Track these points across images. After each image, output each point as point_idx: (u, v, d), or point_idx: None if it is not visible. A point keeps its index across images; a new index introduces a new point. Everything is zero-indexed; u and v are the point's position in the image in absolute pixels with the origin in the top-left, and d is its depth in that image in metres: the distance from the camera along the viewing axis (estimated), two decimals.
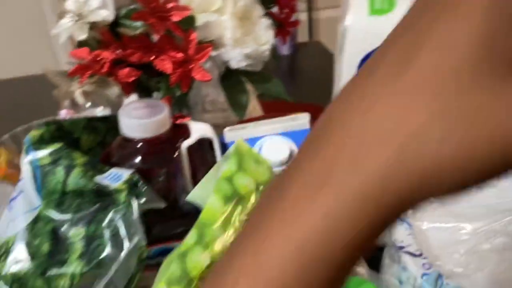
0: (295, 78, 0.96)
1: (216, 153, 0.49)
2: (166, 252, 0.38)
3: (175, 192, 0.47)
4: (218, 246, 0.29)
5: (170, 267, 0.31)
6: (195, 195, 0.34)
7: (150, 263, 0.39)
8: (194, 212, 0.40)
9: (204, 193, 0.31)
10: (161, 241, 0.44)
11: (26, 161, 0.40)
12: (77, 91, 0.52)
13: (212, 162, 0.45)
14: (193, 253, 0.28)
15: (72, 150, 0.41)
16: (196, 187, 0.35)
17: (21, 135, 0.66)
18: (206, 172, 0.42)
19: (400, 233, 0.41)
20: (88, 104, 0.53)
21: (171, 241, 0.42)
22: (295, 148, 0.47)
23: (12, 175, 0.52)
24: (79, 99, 0.53)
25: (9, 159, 0.57)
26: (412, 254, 0.41)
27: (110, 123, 0.48)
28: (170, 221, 0.45)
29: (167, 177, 0.45)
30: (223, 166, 0.33)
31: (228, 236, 0.29)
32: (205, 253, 0.28)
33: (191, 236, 0.29)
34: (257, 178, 0.34)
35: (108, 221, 0.38)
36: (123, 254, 0.37)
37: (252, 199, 0.33)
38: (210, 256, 0.28)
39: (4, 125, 0.59)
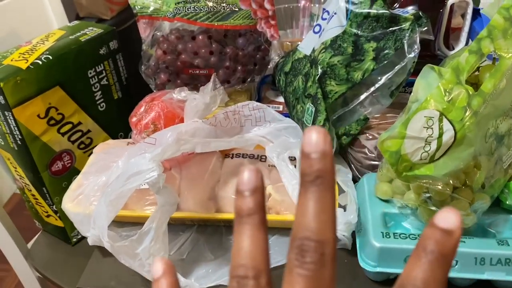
0: None
1: (467, 17, 0.62)
2: None
3: (434, 40, 0.62)
4: (501, 41, 0.43)
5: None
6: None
7: None
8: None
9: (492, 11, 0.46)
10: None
11: None
12: None
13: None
14: (483, 41, 0.43)
15: None
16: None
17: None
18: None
19: None
20: None
21: None
22: None
23: None
24: None
25: None
26: None
27: None
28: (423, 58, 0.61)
29: (431, 26, 0.60)
30: (502, 1, 0.46)
31: (506, 39, 0.44)
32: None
33: (481, 33, 0.44)
34: None
35: (395, 39, 0.55)
36: (404, 61, 0.54)
37: None
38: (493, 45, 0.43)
39: None
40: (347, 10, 0.58)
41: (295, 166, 0.55)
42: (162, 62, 0.65)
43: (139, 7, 0.66)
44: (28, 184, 0.76)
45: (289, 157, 0.56)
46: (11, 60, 0.69)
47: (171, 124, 0.57)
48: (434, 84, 0.42)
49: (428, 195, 0.46)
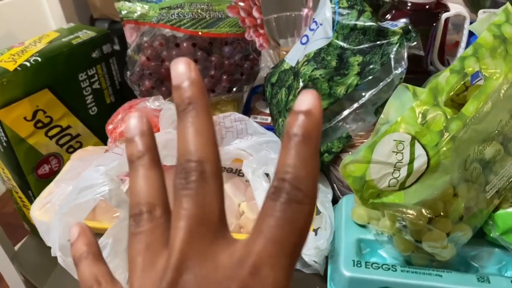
0: None
1: (464, 32, 0.58)
2: None
3: (426, 56, 0.59)
4: (488, 60, 0.40)
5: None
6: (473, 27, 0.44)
7: None
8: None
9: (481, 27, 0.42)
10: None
11: (329, 3, 0.56)
12: None
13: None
14: (468, 60, 0.40)
15: (363, 1, 0.55)
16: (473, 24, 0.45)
17: (270, 22, 0.86)
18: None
19: None
20: None
21: None
22: None
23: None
24: None
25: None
26: None
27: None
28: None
29: (424, 41, 0.57)
30: (493, 18, 0.43)
31: (494, 59, 0.40)
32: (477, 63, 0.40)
33: (466, 51, 0.40)
34: None
35: (382, 53, 0.52)
36: (389, 77, 0.51)
37: None
38: (479, 65, 0.40)
39: None
40: (333, 21, 0.55)
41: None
42: (146, 68, 0.64)
43: (125, 11, 0.64)
44: (15, 186, 0.75)
45: (265, 173, 0.53)
46: (0, 61, 0.68)
47: None
48: (408, 105, 0.38)
49: (403, 223, 0.43)
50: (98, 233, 0.47)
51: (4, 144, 0.69)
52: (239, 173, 0.58)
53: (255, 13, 0.62)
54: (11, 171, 0.73)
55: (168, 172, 0.55)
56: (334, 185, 0.57)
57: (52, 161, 0.76)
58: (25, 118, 0.69)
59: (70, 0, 1.84)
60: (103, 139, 0.78)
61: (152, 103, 0.54)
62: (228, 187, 0.56)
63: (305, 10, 0.89)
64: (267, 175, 0.54)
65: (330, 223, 0.50)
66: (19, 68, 0.67)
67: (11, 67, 0.67)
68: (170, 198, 0.21)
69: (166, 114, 0.53)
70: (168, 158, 0.51)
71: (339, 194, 0.56)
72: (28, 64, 0.68)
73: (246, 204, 0.54)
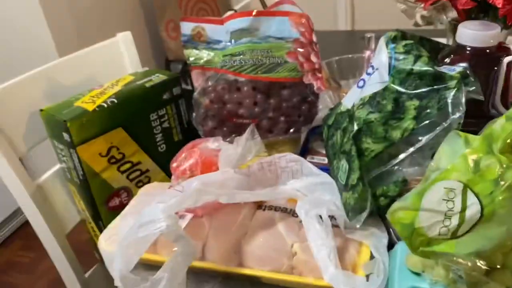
0: None
1: None
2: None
3: (487, 100, 0.57)
4: None
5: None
6: None
7: None
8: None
9: None
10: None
11: (384, 48, 0.57)
12: (418, 14, 0.67)
13: None
14: None
15: (420, 46, 0.55)
16: None
17: (331, 63, 0.88)
18: None
19: None
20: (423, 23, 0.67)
21: None
22: None
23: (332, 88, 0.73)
24: (419, 20, 0.67)
25: (326, 77, 0.77)
26: None
27: (432, 44, 0.62)
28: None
29: (484, 84, 0.56)
30: None
31: None
32: None
33: None
34: None
35: (439, 97, 0.51)
36: (446, 122, 0.50)
37: None
38: None
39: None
40: (389, 65, 0.56)
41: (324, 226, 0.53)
42: (210, 110, 0.68)
43: (192, 58, 0.69)
44: (88, 217, 0.81)
45: (318, 215, 0.54)
46: (82, 102, 0.76)
47: (208, 172, 0.58)
48: (459, 152, 0.38)
49: (458, 273, 0.41)
50: (157, 266, 0.50)
51: (81, 177, 0.76)
52: (293, 213, 0.59)
53: (313, 58, 0.65)
54: (85, 202, 0.80)
55: (224, 210, 0.57)
56: (391, 229, 0.56)
57: (122, 195, 0.81)
58: (100, 154, 0.76)
59: (146, 45, 1.99)
60: (169, 175, 0.83)
61: (213, 143, 0.58)
62: (281, 227, 0.57)
63: (367, 52, 0.91)
64: (320, 216, 0.54)
65: (383, 269, 0.49)
66: (97, 109, 0.74)
67: (90, 107, 0.74)
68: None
69: (225, 153, 0.56)
70: (223, 197, 0.53)
71: (395, 239, 0.55)
72: (105, 105, 0.75)
73: (299, 245, 0.55)
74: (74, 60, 0.92)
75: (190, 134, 0.82)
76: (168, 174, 0.83)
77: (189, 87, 1.00)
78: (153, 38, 2.03)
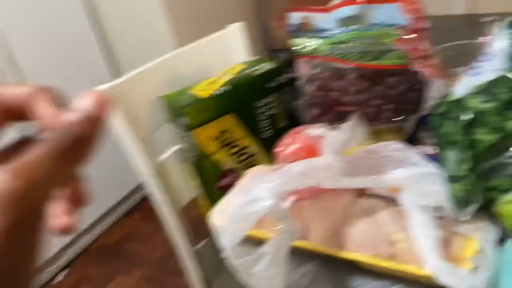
0: None
1: None
2: None
3: None
4: None
5: None
6: None
7: None
8: None
9: None
10: None
11: (503, 35, 0.54)
12: None
13: None
14: None
15: None
16: None
17: (443, 50, 0.83)
18: None
19: None
20: None
21: None
22: None
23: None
24: None
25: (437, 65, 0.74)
26: None
27: None
28: None
29: None
30: None
31: None
32: None
33: None
34: None
35: None
36: None
37: None
38: None
39: None
40: (508, 53, 0.52)
41: (429, 216, 0.52)
42: (315, 97, 0.70)
43: (300, 46, 0.72)
44: (200, 194, 0.89)
45: (423, 205, 0.53)
46: (197, 90, 0.82)
47: (311, 157, 0.60)
48: None
49: None
50: (260, 244, 0.53)
51: (195, 158, 0.83)
52: (396, 202, 0.59)
53: (423, 45, 0.63)
54: (198, 181, 0.87)
55: (326, 195, 0.59)
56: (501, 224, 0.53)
57: (230, 175, 0.87)
58: (212, 137, 0.82)
59: (255, 35, 2.06)
60: (273, 159, 0.87)
61: (316, 130, 0.59)
62: (384, 215, 0.57)
63: (483, 39, 0.85)
64: (425, 207, 0.53)
65: (490, 264, 0.47)
66: (211, 96, 0.80)
67: (205, 94, 0.80)
68: None
69: (328, 140, 0.58)
70: (327, 181, 0.55)
71: (507, 235, 0.52)
72: (218, 92, 0.81)
73: (401, 233, 0.54)
74: (190, 50, 0.99)
75: (294, 120, 0.85)
76: (273, 159, 0.87)
77: (294, 75, 1.03)
78: (260, 28, 2.10)
